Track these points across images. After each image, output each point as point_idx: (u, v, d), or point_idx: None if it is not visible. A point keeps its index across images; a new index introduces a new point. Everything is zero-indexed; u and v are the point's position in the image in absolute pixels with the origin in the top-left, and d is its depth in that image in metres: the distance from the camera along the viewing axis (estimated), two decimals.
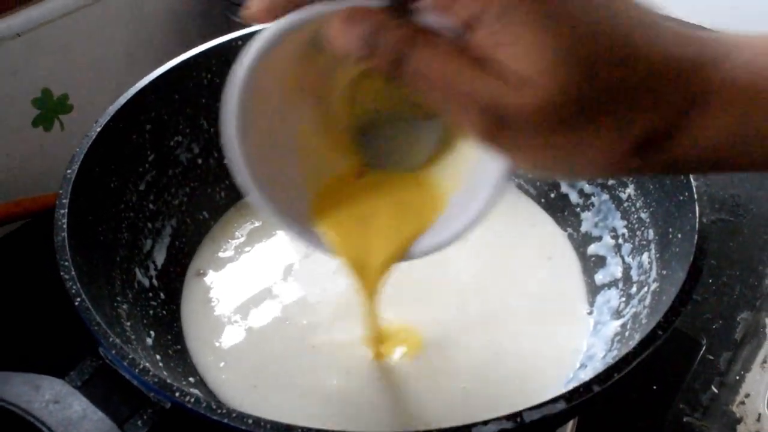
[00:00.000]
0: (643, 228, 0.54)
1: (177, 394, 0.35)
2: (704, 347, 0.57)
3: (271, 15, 0.32)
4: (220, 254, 0.60)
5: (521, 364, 0.51)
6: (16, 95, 0.66)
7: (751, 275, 0.63)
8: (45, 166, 0.69)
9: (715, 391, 0.55)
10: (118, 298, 0.49)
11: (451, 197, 0.40)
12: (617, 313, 0.52)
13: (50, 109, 0.69)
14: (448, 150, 0.41)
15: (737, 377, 0.56)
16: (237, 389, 0.50)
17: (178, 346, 0.53)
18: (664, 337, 0.38)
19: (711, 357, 0.57)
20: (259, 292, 0.57)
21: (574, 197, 0.62)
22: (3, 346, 0.55)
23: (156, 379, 0.36)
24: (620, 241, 0.56)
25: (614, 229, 0.57)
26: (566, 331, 0.54)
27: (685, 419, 0.53)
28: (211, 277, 0.58)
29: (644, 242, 0.53)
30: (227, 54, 0.60)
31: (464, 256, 0.59)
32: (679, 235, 0.47)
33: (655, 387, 0.55)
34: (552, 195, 0.63)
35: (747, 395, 0.55)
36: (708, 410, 0.54)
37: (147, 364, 0.38)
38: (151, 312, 0.52)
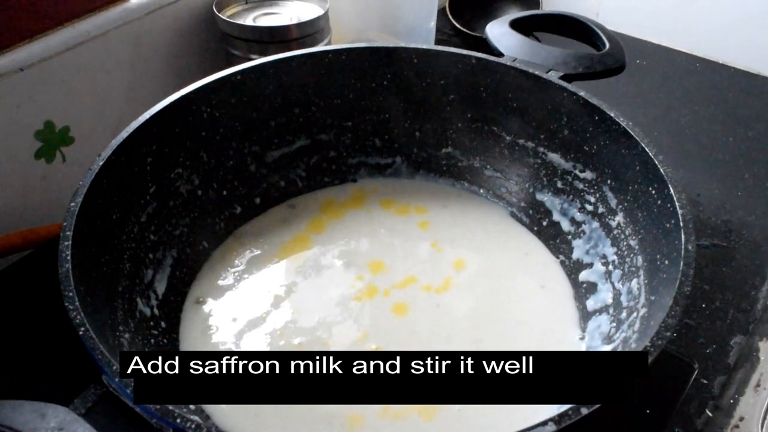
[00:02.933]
0: (632, 255, 0.54)
1: (178, 421, 0.36)
2: (696, 371, 0.57)
3: None
4: (219, 282, 0.60)
5: None
6: (20, 128, 0.66)
7: (743, 300, 0.64)
8: (47, 197, 0.70)
9: (710, 414, 0.55)
10: (120, 328, 0.49)
11: None
12: (608, 338, 0.53)
13: (52, 141, 0.69)
14: None
15: (731, 401, 0.56)
16: (237, 417, 0.50)
17: None
18: (650, 360, 0.39)
19: (705, 381, 0.57)
20: (256, 319, 0.57)
21: (565, 225, 0.63)
22: (9, 374, 0.55)
23: (158, 406, 0.37)
24: (610, 267, 0.57)
25: (605, 256, 0.58)
26: None
27: None
28: (210, 305, 0.58)
29: (633, 269, 0.54)
30: (226, 88, 0.61)
31: (460, 284, 0.60)
32: (666, 262, 0.48)
33: (648, 411, 0.55)
34: (544, 223, 0.64)
35: (741, 419, 0.54)
36: None
37: None
38: (152, 341, 0.53)
